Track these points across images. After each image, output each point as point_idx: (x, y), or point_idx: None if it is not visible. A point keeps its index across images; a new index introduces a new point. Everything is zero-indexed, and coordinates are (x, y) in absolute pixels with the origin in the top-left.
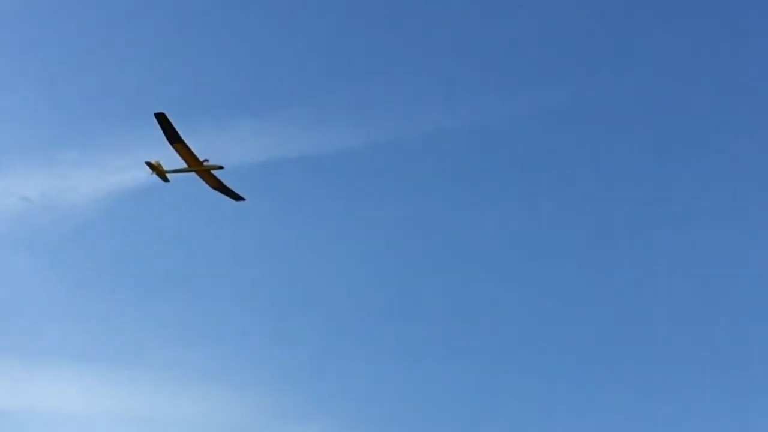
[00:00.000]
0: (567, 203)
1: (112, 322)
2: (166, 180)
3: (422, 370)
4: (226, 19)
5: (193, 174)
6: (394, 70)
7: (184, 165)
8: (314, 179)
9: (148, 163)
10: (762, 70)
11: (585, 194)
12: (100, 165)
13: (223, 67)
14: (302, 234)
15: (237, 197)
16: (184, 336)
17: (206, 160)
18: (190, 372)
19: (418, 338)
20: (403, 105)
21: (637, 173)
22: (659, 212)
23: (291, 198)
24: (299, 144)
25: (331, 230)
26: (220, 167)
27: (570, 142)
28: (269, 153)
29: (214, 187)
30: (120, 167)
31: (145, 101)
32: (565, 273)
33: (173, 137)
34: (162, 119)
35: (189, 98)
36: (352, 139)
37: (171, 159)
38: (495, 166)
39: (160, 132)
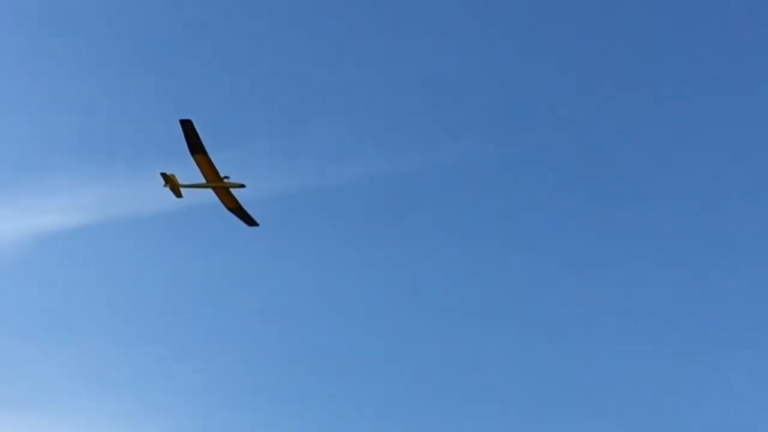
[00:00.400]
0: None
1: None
2: (178, 195)
3: None
4: (154, 65)
5: (194, 191)
6: (321, 117)
7: (202, 179)
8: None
9: (163, 174)
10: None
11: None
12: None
13: (149, 113)
14: (220, 280)
15: (251, 222)
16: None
17: (227, 177)
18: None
19: None
20: (327, 152)
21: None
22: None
23: (213, 242)
24: None
25: (255, 273)
26: (242, 185)
27: (493, 192)
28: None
29: (230, 208)
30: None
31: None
32: (470, 329)
33: (197, 147)
34: (188, 127)
35: (108, 143)
36: (277, 185)
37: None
38: (421, 212)
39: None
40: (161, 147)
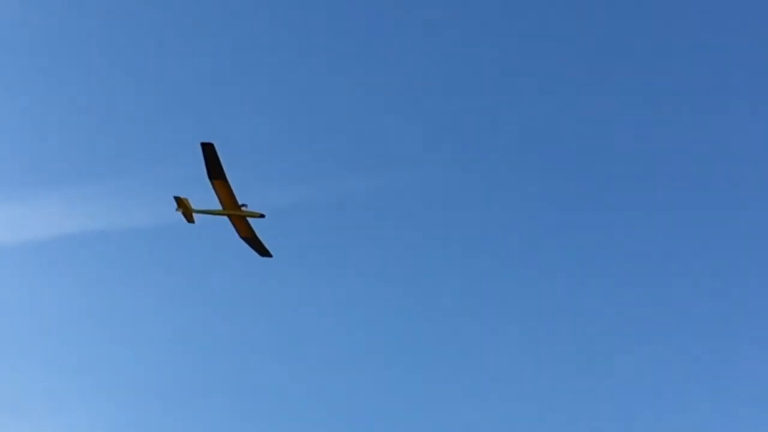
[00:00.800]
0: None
1: None
2: (190, 220)
3: None
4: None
5: (210, 217)
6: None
7: (218, 206)
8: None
9: (177, 198)
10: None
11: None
12: None
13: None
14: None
15: (265, 253)
16: None
17: (245, 205)
18: None
19: None
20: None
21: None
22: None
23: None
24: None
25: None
26: (262, 215)
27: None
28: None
29: (243, 236)
30: None
31: None
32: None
33: (217, 172)
34: (209, 150)
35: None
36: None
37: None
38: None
39: None
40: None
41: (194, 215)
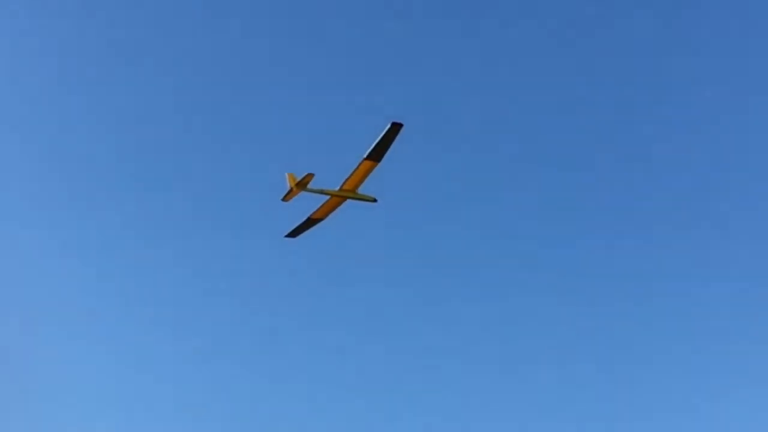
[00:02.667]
0: None
1: None
2: (287, 198)
3: None
4: None
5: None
6: None
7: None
8: None
9: (291, 175)
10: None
11: None
12: None
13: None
14: None
15: (293, 234)
16: None
17: None
18: None
19: None
20: None
21: None
22: None
23: None
24: None
25: None
26: (374, 200)
27: None
28: None
29: (314, 217)
30: None
31: None
32: None
33: (380, 154)
34: (394, 131)
35: None
36: None
37: None
38: None
39: None
40: None
41: (293, 195)
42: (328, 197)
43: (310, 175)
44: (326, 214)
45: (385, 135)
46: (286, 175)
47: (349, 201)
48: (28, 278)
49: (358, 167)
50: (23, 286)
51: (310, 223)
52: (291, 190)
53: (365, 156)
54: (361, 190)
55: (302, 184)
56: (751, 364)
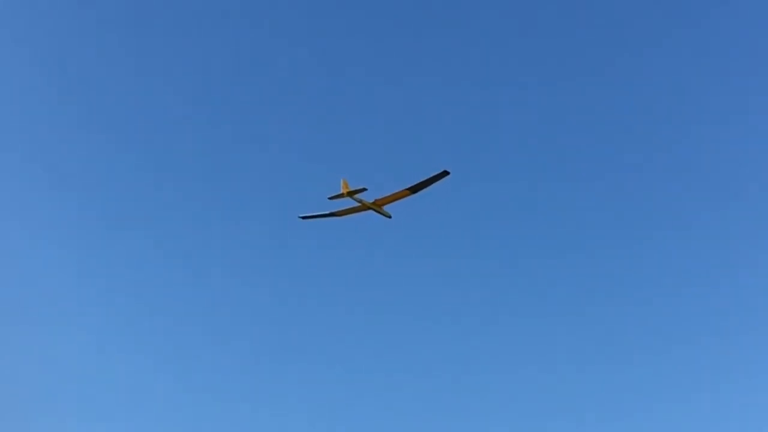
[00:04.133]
0: None
1: None
2: (339, 196)
3: None
4: None
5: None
6: None
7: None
8: None
9: (345, 182)
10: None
11: None
12: None
13: None
14: None
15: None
16: None
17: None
18: None
19: None
20: None
21: None
22: None
23: None
24: None
25: None
26: (389, 216)
27: None
28: None
29: (338, 214)
30: None
31: None
32: None
33: (419, 189)
34: (441, 176)
35: None
36: None
37: None
38: None
39: None
40: None
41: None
42: (349, 205)
43: (364, 189)
44: (346, 215)
45: (432, 177)
46: (341, 180)
47: (370, 211)
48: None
49: (398, 192)
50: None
51: (329, 215)
52: (341, 194)
53: (408, 187)
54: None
55: (352, 193)
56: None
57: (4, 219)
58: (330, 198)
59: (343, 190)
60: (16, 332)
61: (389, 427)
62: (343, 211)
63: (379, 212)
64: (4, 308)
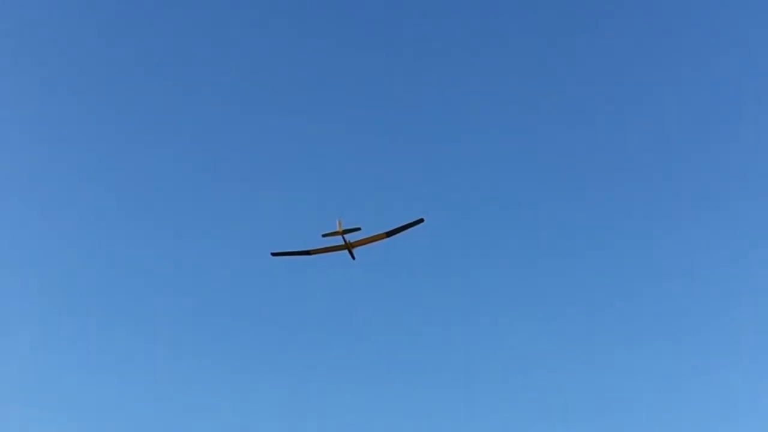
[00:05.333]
0: None
1: None
2: (334, 234)
3: None
4: None
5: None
6: None
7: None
8: None
9: (340, 222)
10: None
11: None
12: None
13: None
14: None
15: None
16: None
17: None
18: None
19: None
20: None
21: None
22: None
23: None
24: None
25: None
26: (354, 258)
27: None
28: None
29: (309, 252)
30: None
31: None
32: None
33: (395, 233)
34: (416, 223)
35: None
36: None
37: None
38: None
39: None
40: None
41: (328, 238)
42: (338, 242)
43: (358, 228)
44: (318, 254)
45: (409, 224)
46: (338, 220)
47: (339, 251)
48: None
49: (375, 236)
50: None
51: (302, 253)
52: (336, 232)
53: (386, 231)
54: None
55: (346, 231)
56: None
57: None
58: (324, 235)
59: (338, 229)
60: None
61: None
62: (316, 249)
63: (350, 252)
64: None
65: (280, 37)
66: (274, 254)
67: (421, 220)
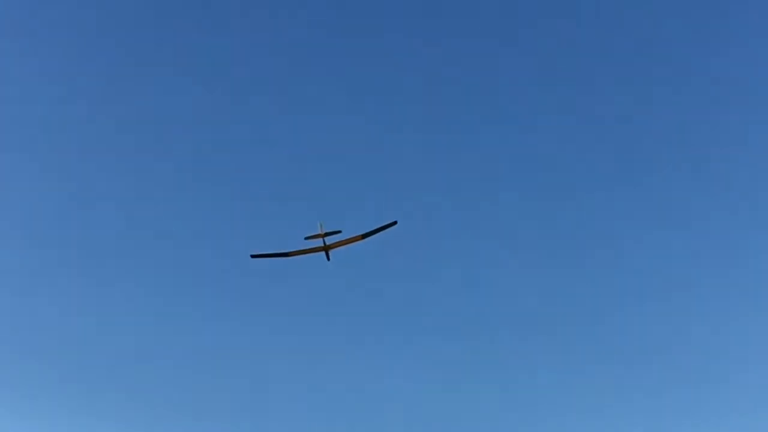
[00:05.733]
0: None
1: None
2: (316, 236)
3: None
4: None
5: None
6: None
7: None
8: None
9: (321, 225)
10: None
11: None
12: None
13: None
14: None
15: (280, 255)
16: None
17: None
18: None
19: None
20: None
21: None
22: None
23: None
24: None
25: None
26: (329, 259)
27: None
28: None
29: (290, 254)
30: None
31: None
32: None
33: (370, 235)
34: (390, 225)
35: None
36: None
37: None
38: None
39: None
40: None
41: (309, 242)
42: (318, 244)
43: (339, 231)
44: (297, 255)
45: (383, 226)
46: (319, 223)
47: (316, 253)
48: None
49: (351, 238)
50: None
51: (281, 255)
52: (318, 235)
53: (362, 234)
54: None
55: (328, 234)
56: None
57: None
58: (306, 238)
59: (320, 231)
60: None
61: None
62: (295, 251)
63: (327, 254)
64: None
65: (263, 45)
66: (253, 256)
67: (394, 223)
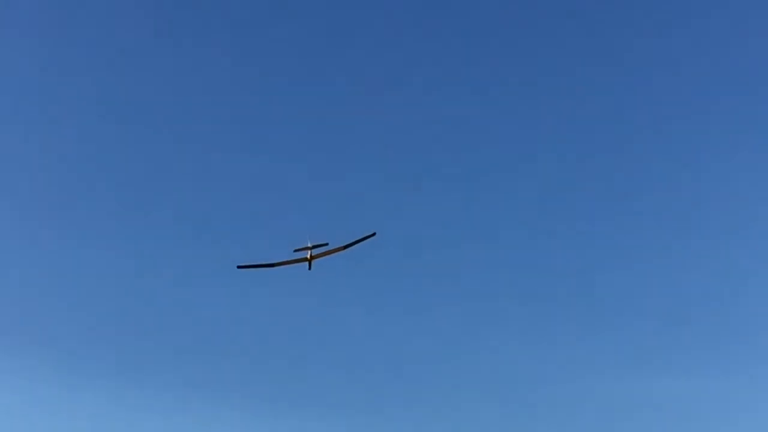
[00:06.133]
0: None
1: None
2: (305, 248)
3: None
4: None
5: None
6: None
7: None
8: None
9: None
10: None
11: None
12: None
13: None
14: None
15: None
16: None
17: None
18: None
19: None
20: None
21: None
22: None
23: None
24: None
25: None
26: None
27: None
28: None
29: (275, 264)
30: None
31: None
32: None
33: (351, 246)
34: (368, 237)
35: None
36: None
37: None
38: None
39: None
40: None
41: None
42: (303, 255)
43: (326, 243)
44: (282, 266)
45: (363, 238)
46: (308, 237)
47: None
48: None
49: (334, 248)
50: None
51: (267, 266)
52: (306, 247)
53: (344, 245)
54: None
55: (315, 246)
56: None
57: None
58: (295, 250)
59: (309, 244)
60: None
61: None
62: (280, 262)
63: (310, 264)
64: None
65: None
66: (240, 267)
67: (373, 234)
